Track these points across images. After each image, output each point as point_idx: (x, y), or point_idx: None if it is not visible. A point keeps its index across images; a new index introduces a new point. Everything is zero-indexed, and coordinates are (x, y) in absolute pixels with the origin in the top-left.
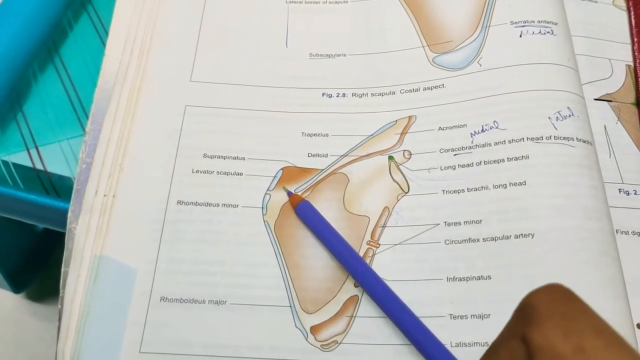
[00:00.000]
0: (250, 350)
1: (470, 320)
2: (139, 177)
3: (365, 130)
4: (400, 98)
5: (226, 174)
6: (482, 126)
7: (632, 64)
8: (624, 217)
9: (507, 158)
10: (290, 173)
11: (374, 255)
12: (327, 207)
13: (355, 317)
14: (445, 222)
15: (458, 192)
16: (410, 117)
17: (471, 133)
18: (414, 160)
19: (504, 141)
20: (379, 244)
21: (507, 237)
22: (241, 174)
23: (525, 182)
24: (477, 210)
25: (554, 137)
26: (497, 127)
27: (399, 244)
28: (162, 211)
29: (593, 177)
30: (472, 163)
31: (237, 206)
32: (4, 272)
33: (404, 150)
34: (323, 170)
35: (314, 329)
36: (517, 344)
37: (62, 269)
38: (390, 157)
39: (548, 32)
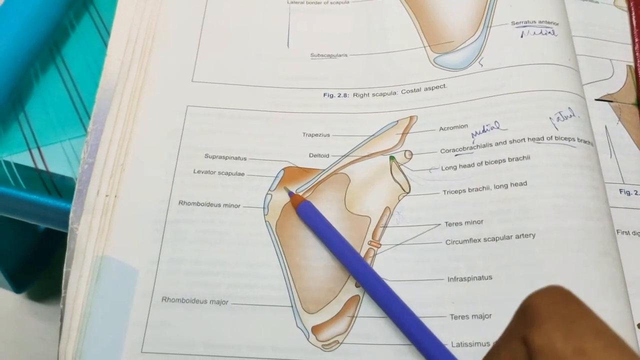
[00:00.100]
0: (251, 350)
1: (471, 320)
2: (141, 177)
3: (366, 130)
4: (401, 98)
5: (227, 174)
6: (483, 126)
7: (633, 64)
8: (625, 217)
9: (508, 158)
10: (291, 173)
11: (375, 255)
12: (328, 207)
13: (356, 317)
14: (446, 222)
15: (459, 193)
16: (411, 117)
17: (472, 133)
18: (415, 160)
19: (505, 141)
20: (380, 244)
21: (508, 237)
22: (242, 174)
23: (526, 182)
24: (478, 210)
25: (555, 137)
26: (498, 128)
27: (400, 244)
28: (164, 211)
29: (594, 177)
30: (473, 163)
31: (238, 206)
32: (6, 272)
33: (405, 151)
34: (324, 170)
35: (315, 329)
36: (517, 345)
37: (64, 269)
38: (392, 157)
39: (549, 32)
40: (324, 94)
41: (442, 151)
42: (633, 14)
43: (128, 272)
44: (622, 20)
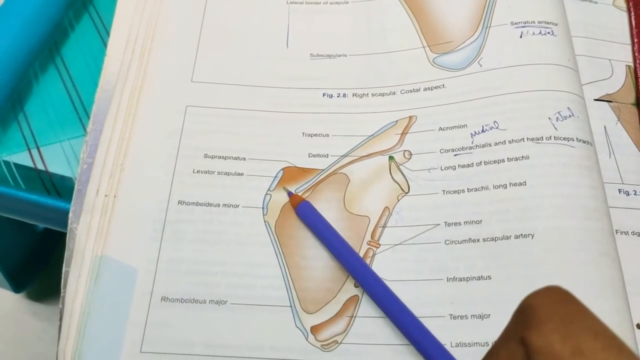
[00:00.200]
0: (250, 350)
1: (470, 320)
2: (140, 177)
3: (365, 130)
4: (400, 98)
5: (227, 174)
6: (483, 126)
7: (632, 64)
8: (624, 217)
9: (507, 158)
10: (290, 173)
11: (374, 255)
12: (327, 207)
13: (355, 317)
14: (445, 222)
15: (458, 193)
16: (410, 117)
17: (471, 133)
18: (415, 160)
19: (504, 141)
20: (379, 244)
21: (507, 237)
22: (242, 174)
23: (525, 182)
24: (477, 210)
25: (554, 137)
26: (497, 128)
27: (399, 244)
28: (163, 211)
29: (593, 177)
30: (473, 163)
31: (237, 206)
32: (5, 271)
33: (405, 151)
34: (323, 170)
35: (315, 329)
36: (516, 346)
37: (63, 269)
38: (391, 157)
39: (548, 32)
40: (323, 94)
41: (442, 151)
42: (632, 14)
43: (127, 272)
44: (621, 21)
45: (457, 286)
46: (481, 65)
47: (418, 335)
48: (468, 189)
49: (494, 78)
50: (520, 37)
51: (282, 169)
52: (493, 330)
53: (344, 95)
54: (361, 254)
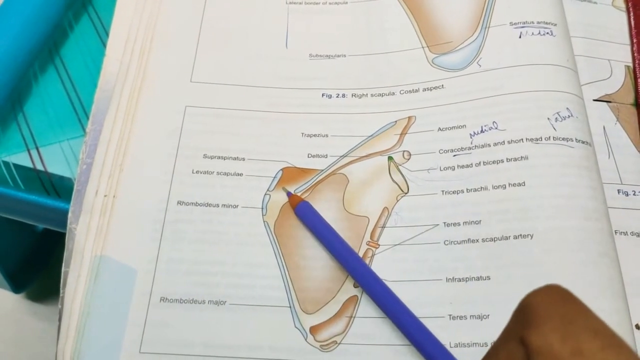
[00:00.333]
0: (250, 351)
1: (470, 320)
2: (139, 177)
3: (364, 130)
4: (399, 99)
5: (226, 174)
6: (482, 127)
7: (631, 64)
8: (623, 217)
9: (507, 159)
10: (290, 173)
11: (373, 255)
12: (326, 208)
13: (354, 317)
14: (444, 223)
15: (457, 193)
16: (409, 117)
17: (470, 134)
18: (414, 160)
19: (503, 142)
20: (379, 245)
21: (507, 238)
22: (241, 174)
23: (524, 182)
24: (476, 210)
25: (553, 137)
26: (496, 128)
27: (398, 244)
28: (162, 211)
29: (592, 177)
30: (472, 164)
31: (237, 206)
32: (4, 272)
33: (404, 151)
34: (323, 170)
35: (314, 329)
36: (515, 345)
37: (63, 269)
38: (390, 158)
39: (547, 33)
40: (323, 95)
41: (441, 151)
42: (631, 14)
43: (126, 272)
44: (620, 21)
45: (457, 286)
46: (480, 66)
47: (418, 335)
48: (467, 189)
49: (493, 78)
50: (520, 37)
51: (281, 169)
52: (492, 330)
53: (343, 95)
54: (360, 254)
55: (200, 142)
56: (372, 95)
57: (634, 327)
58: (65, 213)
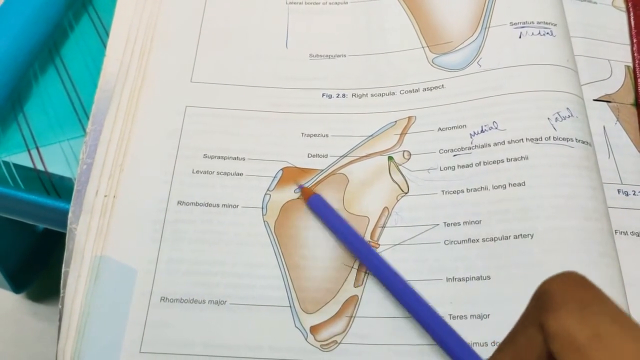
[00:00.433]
0: (250, 350)
1: (470, 320)
2: (140, 177)
3: (365, 130)
4: (400, 99)
5: (226, 174)
6: (482, 127)
7: (631, 64)
8: (623, 217)
9: (507, 159)
10: (290, 173)
11: None
12: None
13: (354, 317)
14: (444, 223)
15: (457, 193)
16: (409, 117)
17: (470, 134)
18: (414, 160)
19: (504, 142)
20: (379, 244)
21: (507, 238)
22: (241, 174)
23: (524, 182)
24: (476, 210)
25: (553, 137)
26: (496, 128)
27: (398, 244)
28: (163, 211)
29: (592, 177)
30: (472, 164)
31: (237, 206)
32: (5, 272)
33: (404, 151)
34: (323, 170)
35: (314, 329)
36: (534, 331)
37: (63, 269)
38: (390, 158)
39: (547, 33)
40: (323, 94)
41: (441, 151)
42: (631, 14)
43: (126, 272)
44: (620, 21)
45: (457, 286)
46: (480, 66)
47: (441, 332)
48: (467, 189)
49: (493, 78)
50: (520, 37)
51: (281, 169)
52: (493, 330)
53: (344, 95)
54: None
55: (201, 142)
56: (372, 95)
57: None
58: (65, 213)
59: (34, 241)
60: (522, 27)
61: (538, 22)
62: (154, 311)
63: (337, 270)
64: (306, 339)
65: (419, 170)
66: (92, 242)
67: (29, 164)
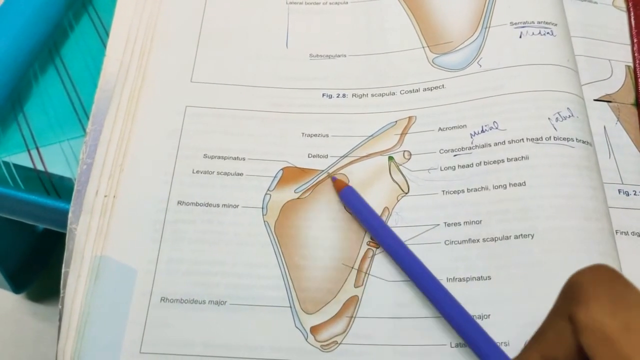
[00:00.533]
0: (250, 351)
1: None
2: (140, 177)
3: (365, 130)
4: (400, 99)
5: (226, 174)
6: (482, 127)
7: (631, 64)
8: (624, 217)
9: (507, 158)
10: (290, 173)
11: (374, 255)
12: (327, 208)
13: (355, 317)
14: (445, 223)
15: (458, 193)
16: (410, 117)
17: (471, 134)
18: (414, 160)
19: (504, 142)
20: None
21: (507, 238)
22: (241, 174)
23: (524, 182)
24: (477, 210)
25: (554, 137)
26: (496, 128)
27: None
28: (163, 211)
29: (592, 177)
30: (472, 163)
31: (237, 206)
32: (5, 272)
33: (404, 151)
34: (323, 171)
35: (314, 330)
36: (563, 324)
37: (63, 270)
38: (390, 158)
39: (548, 33)
40: (323, 95)
41: (441, 151)
42: (632, 14)
43: (126, 273)
44: (620, 21)
45: (457, 286)
46: (481, 66)
47: (471, 330)
48: (468, 189)
49: (494, 78)
50: (520, 37)
51: (281, 169)
52: (493, 330)
53: (344, 95)
54: (361, 255)
55: (201, 142)
56: (372, 95)
57: None
58: (65, 213)
59: (34, 241)
60: (523, 27)
61: (538, 22)
62: (154, 311)
63: (338, 271)
64: (306, 340)
65: (420, 170)
66: (92, 242)
67: (29, 164)
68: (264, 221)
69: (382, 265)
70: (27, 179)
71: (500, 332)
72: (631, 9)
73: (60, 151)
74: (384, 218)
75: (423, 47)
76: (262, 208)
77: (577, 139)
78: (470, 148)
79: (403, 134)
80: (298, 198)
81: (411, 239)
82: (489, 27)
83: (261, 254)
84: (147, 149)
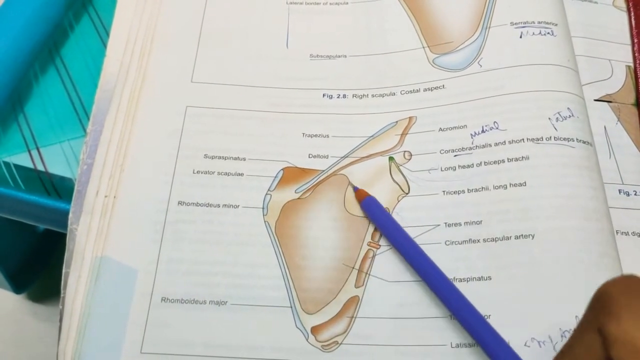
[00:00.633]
0: (250, 351)
1: None
2: (140, 177)
3: (365, 131)
4: (400, 99)
5: (227, 174)
6: (482, 127)
7: (632, 64)
8: (624, 217)
9: (507, 159)
10: (290, 173)
11: (374, 256)
12: (327, 208)
13: (355, 317)
14: (445, 223)
15: (458, 193)
16: (410, 118)
17: (471, 134)
18: (415, 161)
19: (504, 142)
20: (380, 245)
21: (508, 238)
22: (242, 174)
23: (525, 182)
24: (477, 211)
25: (554, 137)
26: (497, 128)
27: None
28: (163, 212)
29: (593, 177)
30: (473, 164)
31: (237, 207)
32: (5, 272)
33: (405, 151)
34: (324, 171)
35: (315, 330)
36: (593, 336)
37: (63, 270)
38: (391, 158)
39: (548, 33)
40: (323, 95)
41: (442, 152)
42: (632, 14)
43: (127, 273)
44: (621, 21)
45: (458, 287)
46: (481, 66)
47: (486, 334)
48: (468, 189)
49: (494, 78)
50: (520, 37)
51: (282, 169)
52: None
53: (344, 96)
54: (361, 255)
55: (201, 142)
56: (372, 95)
57: None
58: (65, 214)
59: (35, 242)
60: (523, 27)
61: (539, 22)
62: (155, 311)
63: (338, 271)
64: (307, 340)
65: (420, 171)
66: (92, 243)
67: (30, 165)
68: (265, 221)
69: (382, 265)
70: (28, 179)
71: (501, 332)
72: (631, 9)
73: (61, 151)
74: None
75: (423, 48)
76: (263, 208)
77: (577, 139)
78: (470, 148)
79: (403, 134)
80: (299, 198)
81: None
82: (490, 27)
83: (262, 254)
84: (148, 149)
